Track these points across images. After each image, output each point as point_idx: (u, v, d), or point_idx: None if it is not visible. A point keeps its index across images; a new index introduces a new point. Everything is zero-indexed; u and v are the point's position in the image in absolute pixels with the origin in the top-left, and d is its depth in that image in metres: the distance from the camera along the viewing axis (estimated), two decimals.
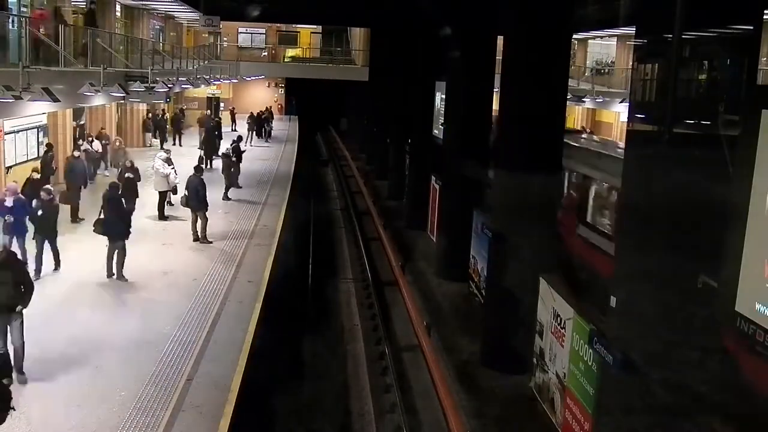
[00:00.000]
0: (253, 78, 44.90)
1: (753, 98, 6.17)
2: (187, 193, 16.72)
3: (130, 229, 13.67)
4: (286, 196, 22.58)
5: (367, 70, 38.48)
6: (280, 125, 45.46)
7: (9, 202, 13.06)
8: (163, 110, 32.55)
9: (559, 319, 9.61)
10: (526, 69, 11.07)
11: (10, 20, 15.37)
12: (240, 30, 46.75)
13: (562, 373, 9.43)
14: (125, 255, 13.36)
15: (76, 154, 19.39)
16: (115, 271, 13.35)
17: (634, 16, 8.93)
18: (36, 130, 20.30)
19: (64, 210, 15.62)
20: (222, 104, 43.40)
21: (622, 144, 12.94)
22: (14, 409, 7.46)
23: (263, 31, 47.63)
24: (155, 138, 30.94)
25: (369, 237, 21.11)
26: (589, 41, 38.06)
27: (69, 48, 16.70)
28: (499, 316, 11.57)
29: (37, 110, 15.93)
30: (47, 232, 13.19)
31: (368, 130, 36.20)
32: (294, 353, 13.01)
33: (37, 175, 15.90)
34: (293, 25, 47.06)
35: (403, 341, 13.45)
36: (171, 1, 31.05)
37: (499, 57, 12.63)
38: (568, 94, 15.33)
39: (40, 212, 13.06)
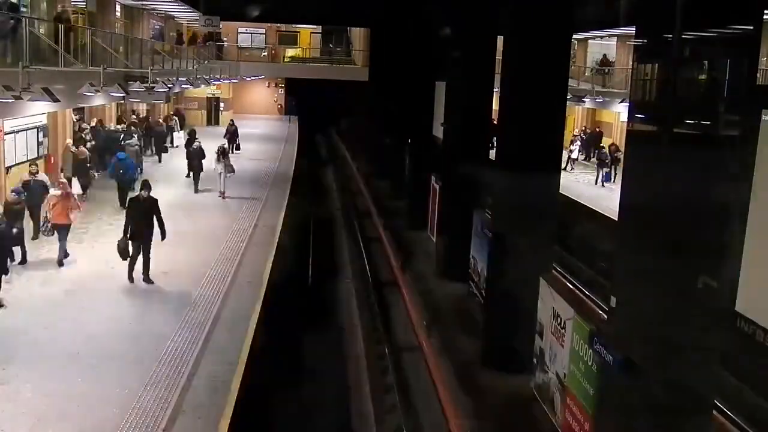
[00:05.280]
0: (253, 78, 44.91)
1: (753, 98, 6.17)
2: None
3: None
4: (286, 196, 22.59)
5: (367, 70, 38.47)
6: (279, 125, 45.51)
7: None
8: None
9: (559, 319, 9.61)
10: (526, 69, 11.06)
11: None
12: (240, 30, 46.74)
13: (562, 374, 9.42)
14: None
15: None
16: None
17: (634, 16, 8.92)
18: (36, 130, 20.30)
19: None
20: (222, 104, 43.39)
21: None
22: None
23: (263, 31, 47.63)
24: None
25: (369, 237, 21.12)
26: (589, 41, 38.03)
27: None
28: (499, 316, 11.57)
29: (37, 110, 15.92)
30: None
31: (368, 130, 36.20)
32: (294, 353, 13.02)
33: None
34: (293, 25, 47.05)
35: (403, 341, 13.45)
36: (171, 1, 31.04)
37: (499, 57, 12.63)
38: (568, 94, 15.31)
39: None
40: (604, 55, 34.85)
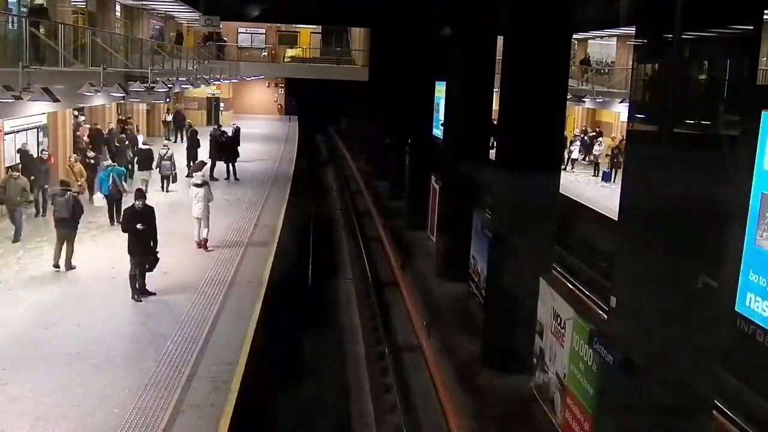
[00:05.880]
0: (253, 78, 44.93)
1: (753, 98, 6.17)
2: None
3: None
4: (286, 196, 22.59)
5: (367, 70, 38.47)
6: (279, 125, 45.52)
7: None
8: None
9: (559, 319, 9.61)
10: (526, 69, 11.06)
11: (10, 20, 15.40)
12: (240, 30, 46.75)
13: (562, 374, 9.42)
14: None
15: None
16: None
17: (634, 16, 8.93)
18: (36, 130, 20.31)
19: None
20: (222, 104, 43.38)
21: None
22: None
23: (263, 31, 47.66)
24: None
25: (369, 237, 21.12)
26: (589, 41, 38.06)
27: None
28: (499, 316, 11.57)
29: (37, 110, 15.92)
30: None
31: (368, 130, 36.22)
32: (294, 353, 13.02)
33: None
34: (293, 26, 47.08)
35: (403, 341, 13.45)
36: (171, 1, 31.05)
37: (499, 57, 12.63)
38: (568, 94, 15.31)
39: None
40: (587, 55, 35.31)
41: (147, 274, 12.66)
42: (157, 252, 12.67)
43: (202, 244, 15.86)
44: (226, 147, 25.27)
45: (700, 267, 6.64)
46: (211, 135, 25.94)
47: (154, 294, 12.64)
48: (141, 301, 12.39)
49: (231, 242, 16.64)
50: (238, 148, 26.01)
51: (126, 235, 12.61)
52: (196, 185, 16.03)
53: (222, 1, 32.23)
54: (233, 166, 24.96)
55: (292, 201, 22.56)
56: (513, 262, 11.13)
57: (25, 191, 15.35)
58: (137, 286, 12.49)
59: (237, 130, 27.08)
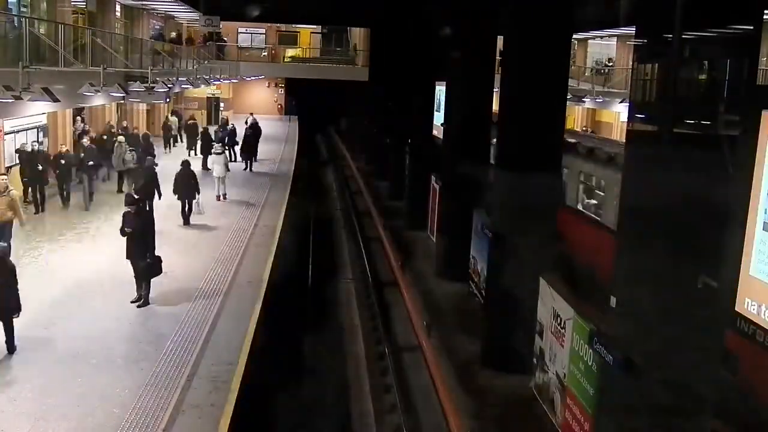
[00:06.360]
0: (253, 78, 44.92)
1: (753, 98, 6.17)
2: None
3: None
4: (286, 196, 22.59)
5: (367, 70, 38.48)
6: (279, 125, 45.51)
7: None
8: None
9: (559, 319, 9.61)
10: (526, 69, 11.06)
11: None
12: (240, 30, 46.74)
13: (562, 373, 9.42)
14: None
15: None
16: None
17: (634, 16, 8.93)
18: (36, 130, 20.32)
19: None
20: (222, 104, 43.36)
21: None
22: None
23: (263, 31, 47.65)
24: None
25: (369, 237, 21.12)
26: (589, 41, 38.05)
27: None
28: (499, 316, 11.57)
29: (37, 110, 15.93)
30: None
31: (368, 130, 36.23)
32: (294, 353, 13.02)
33: None
34: (293, 25, 47.07)
35: (403, 341, 13.45)
36: (171, 1, 31.05)
37: (499, 57, 12.63)
38: (568, 94, 15.31)
39: None
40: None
41: (151, 282, 12.37)
42: (156, 259, 12.28)
43: (222, 198, 20.79)
44: (249, 143, 27.85)
45: (700, 267, 6.64)
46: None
47: (148, 304, 12.31)
48: (139, 307, 12.20)
49: (231, 242, 16.64)
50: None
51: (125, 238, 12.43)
52: (217, 153, 21.59)
53: (222, 1, 32.25)
54: (253, 160, 27.71)
55: (292, 201, 22.56)
56: (513, 262, 11.13)
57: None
58: (140, 294, 12.27)
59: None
